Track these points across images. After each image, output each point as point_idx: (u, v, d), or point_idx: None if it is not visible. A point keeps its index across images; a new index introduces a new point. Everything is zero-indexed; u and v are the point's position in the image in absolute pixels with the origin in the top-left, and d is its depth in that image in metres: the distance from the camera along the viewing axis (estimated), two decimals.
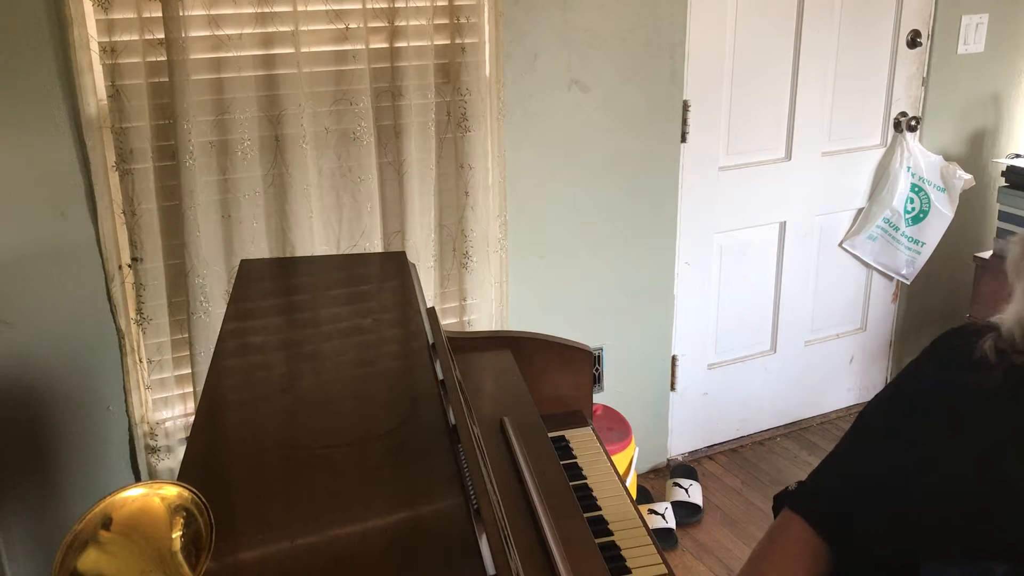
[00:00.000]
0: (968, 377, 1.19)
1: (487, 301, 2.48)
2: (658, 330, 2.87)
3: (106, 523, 0.82)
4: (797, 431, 3.25)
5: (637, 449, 2.52)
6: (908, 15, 2.95)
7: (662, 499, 2.82)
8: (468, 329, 2.46)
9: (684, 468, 2.99)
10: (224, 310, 1.56)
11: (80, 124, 1.96)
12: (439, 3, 2.19)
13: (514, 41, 2.36)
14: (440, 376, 1.28)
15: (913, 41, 2.98)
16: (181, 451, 2.21)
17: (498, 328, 2.51)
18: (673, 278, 2.85)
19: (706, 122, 2.74)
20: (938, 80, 3.06)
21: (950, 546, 1.13)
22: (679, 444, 3.09)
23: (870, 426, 1.33)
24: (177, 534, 0.83)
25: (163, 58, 1.95)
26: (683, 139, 2.71)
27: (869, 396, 3.42)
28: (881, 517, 1.23)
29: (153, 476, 2.22)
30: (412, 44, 2.17)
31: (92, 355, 2.12)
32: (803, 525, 1.29)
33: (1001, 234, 3.08)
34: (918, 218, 3.07)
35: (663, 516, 2.68)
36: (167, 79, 1.96)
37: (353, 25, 2.12)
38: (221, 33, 2.02)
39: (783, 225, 3.01)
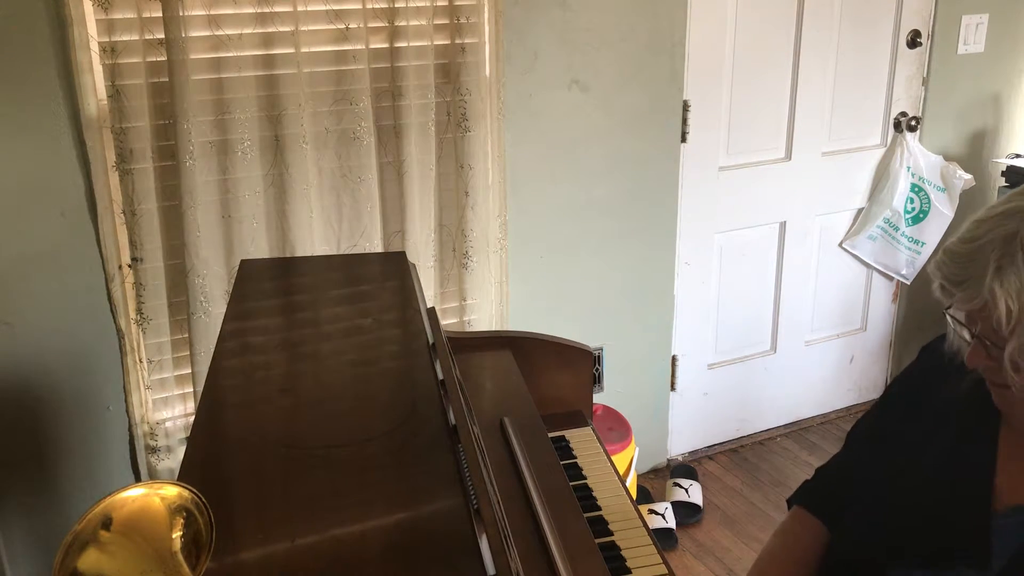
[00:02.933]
0: (945, 383, 1.21)
1: (487, 301, 2.48)
2: (658, 330, 2.87)
3: (106, 523, 0.82)
4: (797, 431, 3.25)
5: (637, 449, 2.53)
6: (908, 15, 2.95)
7: (662, 499, 2.82)
8: (468, 329, 2.46)
9: (684, 468, 2.99)
10: (224, 310, 1.56)
11: (80, 124, 1.96)
12: (439, 3, 2.19)
13: (514, 41, 2.36)
14: (440, 376, 1.28)
15: (913, 41, 2.98)
16: (181, 451, 2.21)
17: (498, 328, 2.51)
18: (673, 278, 2.85)
19: (706, 122, 2.74)
20: (938, 80, 3.06)
21: (916, 551, 1.14)
22: (679, 444, 3.08)
23: (860, 429, 1.38)
24: (177, 534, 0.83)
25: (163, 58, 1.95)
26: (683, 139, 2.71)
27: (869, 396, 3.43)
28: (855, 519, 1.25)
29: (153, 476, 2.22)
30: (412, 44, 2.17)
31: (92, 355, 2.12)
32: (811, 517, 1.33)
33: None
34: (918, 218, 3.07)
35: (663, 516, 2.68)
36: (167, 79, 1.96)
37: (353, 25, 2.12)
38: (221, 33, 2.02)
39: (783, 225, 3.01)
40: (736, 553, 2.63)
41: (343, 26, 2.12)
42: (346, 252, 2.27)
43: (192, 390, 2.20)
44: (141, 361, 2.17)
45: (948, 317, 1.11)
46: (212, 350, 1.40)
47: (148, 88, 1.98)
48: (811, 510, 1.35)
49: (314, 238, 2.21)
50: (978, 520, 1.10)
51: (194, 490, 0.84)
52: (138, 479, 2.26)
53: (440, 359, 1.31)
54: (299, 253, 2.19)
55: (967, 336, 1.07)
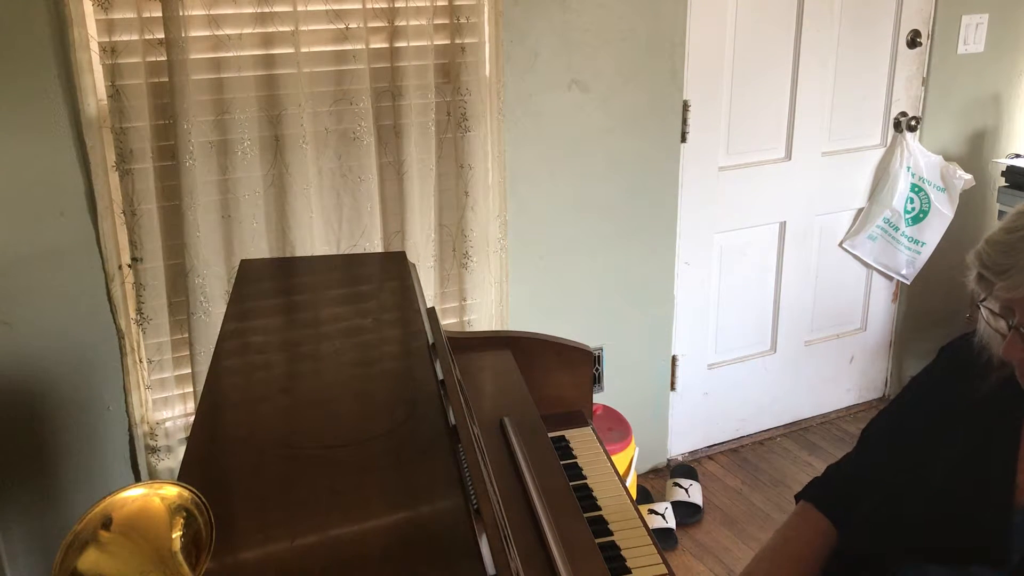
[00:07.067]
0: (967, 383, 1.20)
1: (487, 301, 2.48)
2: (658, 330, 2.87)
3: (106, 523, 0.82)
4: (797, 431, 3.25)
5: (637, 449, 2.52)
6: (908, 15, 2.95)
7: (662, 499, 2.82)
8: (468, 329, 2.46)
9: (684, 468, 2.99)
10: (224, 310, 1.56)
11: (80, 124, 1.96)
12: (439, 3, 2.19)
13: (514, 41, 2.36)
14: (440, 376, 1.28)
15: (913, 41, 2.98)
16: (181, 451, 2.21)
17: (498, 328, 2.51)
18: (673, 278, 2.85)
19: (706, 122, 2.74)
20: (938, 80, 3.06)
21: (930, 547, 1.14)
22: (679, 444, 3.08)
23: (878, 427, 1.37)
24: (177, 534, 0.83)
25: (163, 58, 1.95)
26: (683, 139, 2.71)
27: (869, 396, 3.43)
28: (869, 514, 1.25)
29: (153, 476, 2.22)
30: (412, 44, 2.17)
31: (92, 355, 2.12)
32: (817, 513, 1.33)
33: None
34: (918, 218, 3.07)
35: (663, 516, 2.68)
36: (167, 79, 1.96)
37: (353, 25, 2.12)
38: (221, 33, 2.02)
39: (783, 225, 3.01)
40: (736, 553, 2.63)
41: (343, 26, 2.12)
42: (346, 252, 2.27)
43: (192, 390, 2.20)
44: (141, 361, 2.17)
45: (983, 309, 1.10)
46: (212, 350, 1.40)
47: (148, 88, 1.98)
48: (820, 507, 1.34)
49: (314, 238, 2.21)
50: (998, 518, 1.10)
51: (194, 490, 0.84)
52: (138, 479, 2.26)
53: (440, 359, 1.31)
54: (299, 253, 2.19)
55: (1004, 328, 1.06)
